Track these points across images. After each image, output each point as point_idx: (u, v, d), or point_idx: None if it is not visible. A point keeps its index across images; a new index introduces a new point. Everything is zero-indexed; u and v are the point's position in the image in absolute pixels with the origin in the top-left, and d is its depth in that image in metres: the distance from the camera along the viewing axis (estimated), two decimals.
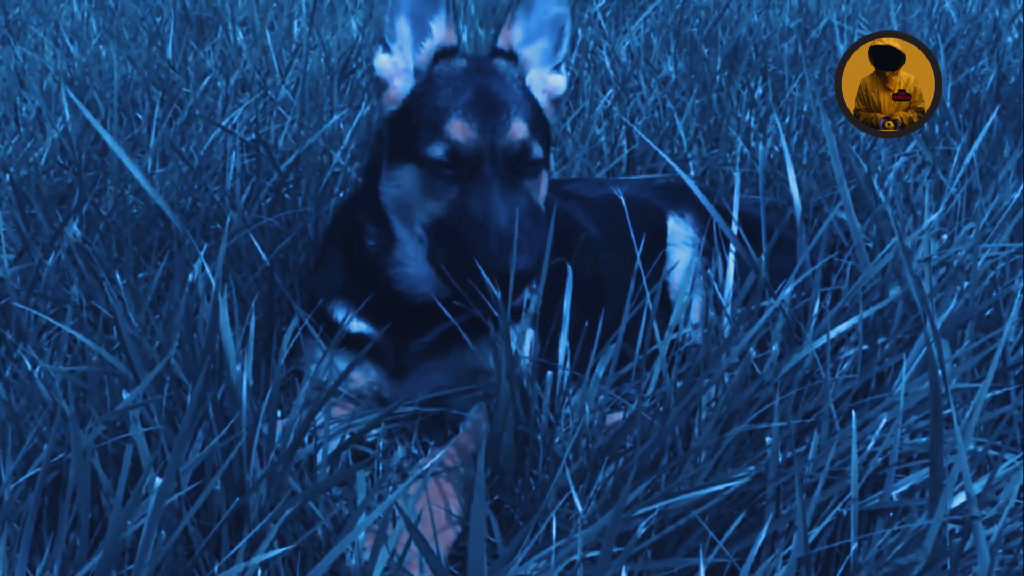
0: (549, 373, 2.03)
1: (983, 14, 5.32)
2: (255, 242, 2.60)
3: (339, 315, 2.26)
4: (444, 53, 2.22)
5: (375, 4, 5.71)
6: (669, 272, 2.57)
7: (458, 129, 2.10)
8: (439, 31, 2.22)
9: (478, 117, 2.12)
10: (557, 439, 1.99)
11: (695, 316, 2.51)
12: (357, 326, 2.25)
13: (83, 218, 2.84)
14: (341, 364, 2.20)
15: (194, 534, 1.73)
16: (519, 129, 2.14)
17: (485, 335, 2.14)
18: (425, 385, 2.26)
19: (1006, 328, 1.95)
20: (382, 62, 2.23)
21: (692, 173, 3.32)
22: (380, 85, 2.25)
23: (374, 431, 2.21)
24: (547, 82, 2.31)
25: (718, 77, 4.20)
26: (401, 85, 2.23)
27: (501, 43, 2.28)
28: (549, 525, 1.76)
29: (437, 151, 2.10)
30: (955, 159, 2.97)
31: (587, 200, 2.64)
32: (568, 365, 2.08)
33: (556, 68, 2.33)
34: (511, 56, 2.28)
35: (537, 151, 2.16)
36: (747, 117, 3.66)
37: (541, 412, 1.98)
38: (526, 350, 2.08)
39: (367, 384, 2.28)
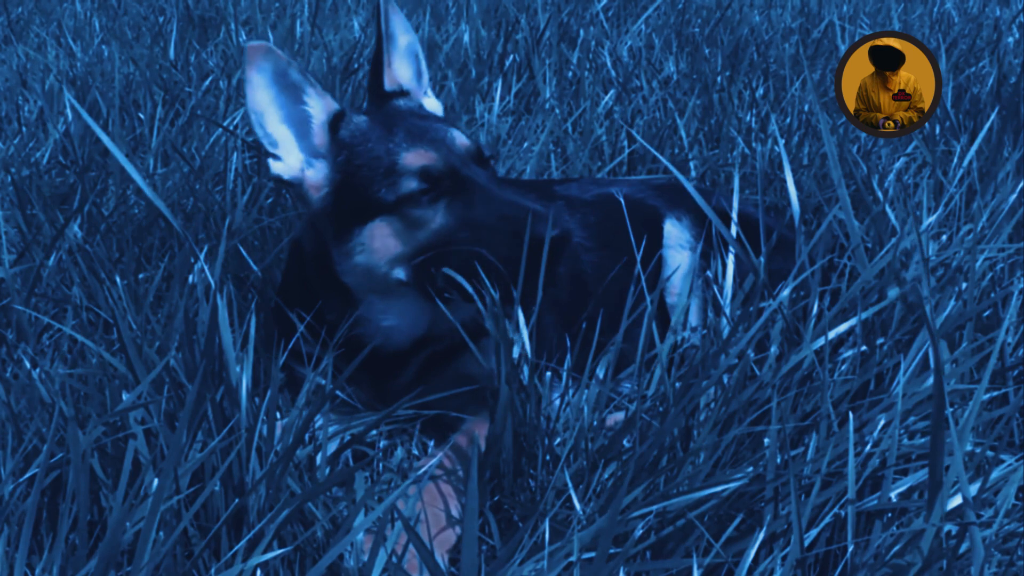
0: (548, 375, 2.04)
1: (984, 14, 5.32)
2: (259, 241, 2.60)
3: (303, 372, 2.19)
4: (337, 119, 2.18)
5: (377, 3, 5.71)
6: (668, 278, 2.57)
7: (414, 158, 2.11)
8: (318, 105, 2.17)
9: (423, 142, 2.14)
10: (557, 440, 2.00)
11: (693, 319, 2.51)
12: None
13: (84, 218, 2.84)
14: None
15: (193, 535, 1.73)
16: (459, 135, 2.18)
17: (467, 351, 2.14)
18: (414, 400, 2.26)
19: (1003, 329, 1.95)
20: (281, 168, 2.16)
21: (692, 173, 3.32)
22: (292, 186, 2.19)
23: (374, 432, 2.22)
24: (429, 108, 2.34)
25: (719, 77, 4.21)
26: (315, 172, 2.18)
27: (388, 85, 2.29)
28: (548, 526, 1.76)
29: (409, 184, 2.09)
30: (955, 159, 2.97)
31: (576, 201, 2.64)
32: (555, 365, 2.09)
33: (426, 93, 2.36)
34: (403, 93, 2.31)
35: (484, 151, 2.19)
36: (748, 117, 3.66)
37: (539, 414, 1.98)
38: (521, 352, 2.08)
39: (357, 396, 2.28)
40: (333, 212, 2.16)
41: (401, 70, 2.33)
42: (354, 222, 2.13)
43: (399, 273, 2.13)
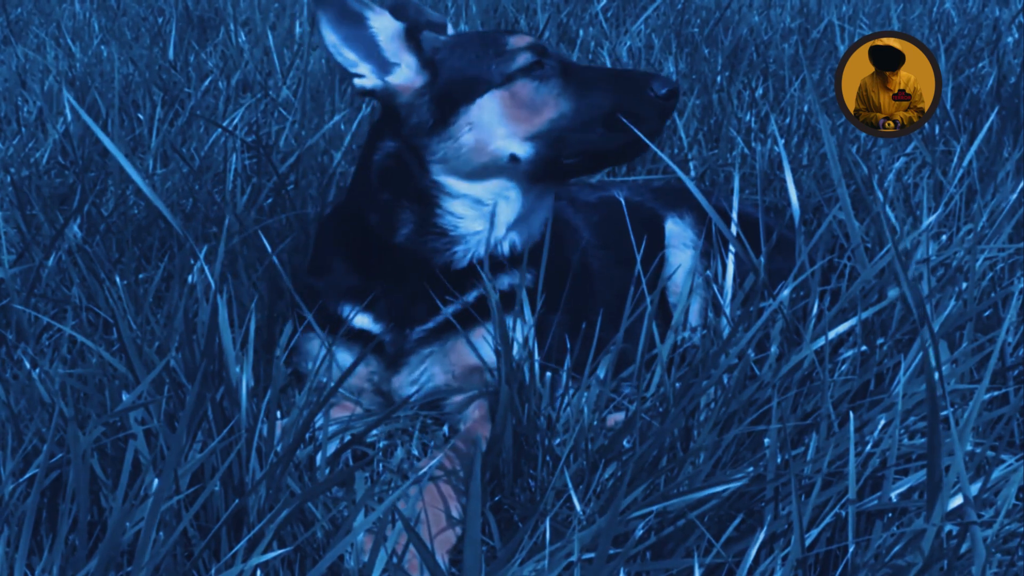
0: (549, 374, 2.04)
1: (983, 14, 5.32)
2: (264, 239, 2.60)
3: (346, 312, 2.29)
4: (410, 31, 2.30)
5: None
6: (670, 277, 2.57)
7: (522, 38, 2.29)
8: (381, 23, 2.30)
9: (521, 33, 2.36)
10: (557, 440, 1.99)
11: (694, 318, 2.51)
12: (361, 321, 2.28)
13: (84, 219, 2.84)
14: (344, 358, 2.25)
15: (193, 535, 1.73)
16: None
17: (481, 325, 2.20)
18: (420, 377, 2.27)
19: (1003, 329, 1.95)
20: (364, 82, 2.31)
21: (692, 173, 3.32)
22: (379, 95, 2.32)
23: (374, 432, 2.22)
24: None
25: (719, 77, 4.20)
26: (397, 77, 2.29)
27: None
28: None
29: (523, 58, 2.24)
30: (955, 159, 2.97)
31: (578, 202, 2.66)
32: (562, 365, 2.10)
33: None
34: None
35: None
36: (747, 117, 3.66)
37: (540, 414, 1.98)
38: (520, 338, 2.09)
39: (366, 374, 2.30)
40: (432, 100, 2.27)
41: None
42: (460, 101, 2.24)
43: (513, 147, 2.21)
